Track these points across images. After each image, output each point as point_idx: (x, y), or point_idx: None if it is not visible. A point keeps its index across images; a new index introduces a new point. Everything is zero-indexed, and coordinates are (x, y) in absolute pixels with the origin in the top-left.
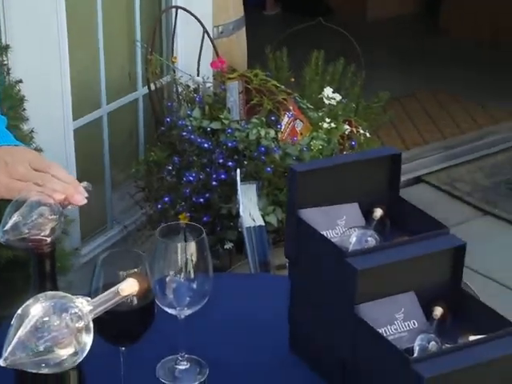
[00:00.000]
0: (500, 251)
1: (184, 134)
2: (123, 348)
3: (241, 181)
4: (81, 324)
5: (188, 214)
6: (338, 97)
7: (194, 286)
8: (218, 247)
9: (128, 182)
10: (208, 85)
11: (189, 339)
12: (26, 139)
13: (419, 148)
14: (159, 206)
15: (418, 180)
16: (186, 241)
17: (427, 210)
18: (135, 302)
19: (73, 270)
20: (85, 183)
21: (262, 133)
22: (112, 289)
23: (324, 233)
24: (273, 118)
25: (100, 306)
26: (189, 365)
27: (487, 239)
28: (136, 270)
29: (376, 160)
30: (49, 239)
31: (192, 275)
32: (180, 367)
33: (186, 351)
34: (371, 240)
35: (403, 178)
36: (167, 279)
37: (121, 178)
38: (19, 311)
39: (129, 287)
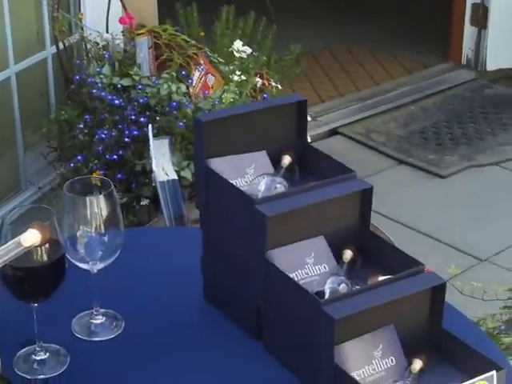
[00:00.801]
0: (415, 199)
1: (94, 91)
2: (35, 304)
3: (153, 136)
4: None
5: (102, 172)
6: (248, 50)
7: (105, 239)
8: (134, 204)
9: (41, 143)
10: (117, 41)
11: (103, 293)
12: None
13: (334, 101)
14: (72, 165)
15: (333, 132)
16: (95, 194)
17: (343, 161)
18: (45, 257)
19: None
20: None
21: (173, 88)
22: (14, 240)
23: (233, 181)
24: (183, 73)
25: (2, 257)
26: (104, 319)
27: (402, 188)
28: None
29: (282, 107)
30: None
31: (102, 229)
32: (95, 321)
33: (101, 305)
34: (280, 187)
35: (319, 131)
36: (78, 234)
37: (33, 138)
38: None
39: (30, 237)
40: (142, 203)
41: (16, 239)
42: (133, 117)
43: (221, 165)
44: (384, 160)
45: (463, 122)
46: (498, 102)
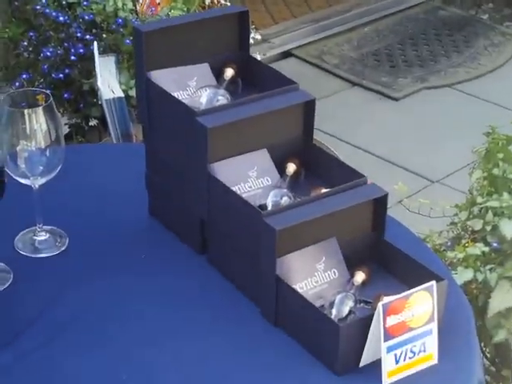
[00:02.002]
0: (368, 121)
1: (38, 7)
2: None
3: (100, 54)
4: None
5: (48, 90)
6: None
7: (46, 154)
8: (83, 124)
9: None
10: None
11: (48, 210)
12: None
13: (288, 22)
14: (17, 84)
15: (287, 54)
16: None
17: (296, 83)
18: None
19: None
20: None
21: (120, 4)
22: None
23: (175, 94)
24: None
25: None
26: (48, 235)
27: (355, 110)
28: None
29: (224, 18)
30: None
31: (42, 143)
32: (39, 238)
33: (45, 223)
34: (222, 99)
35: (272, 53)
36: (18, 149)
37: None
38: None
39: None
40: (90, 124)
41: None
42: (78, 34)
43: (162, 77)
44: (337, 82)
45: (417, 44)
46: (452, 24)
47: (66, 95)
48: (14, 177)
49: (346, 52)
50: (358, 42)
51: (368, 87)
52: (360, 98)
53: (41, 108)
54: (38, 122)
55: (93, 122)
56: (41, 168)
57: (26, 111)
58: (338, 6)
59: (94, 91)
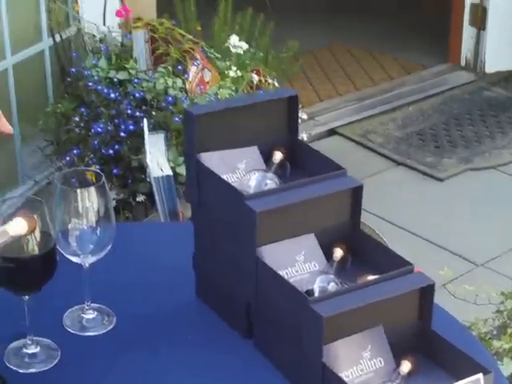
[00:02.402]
0: (412, 201)
1: (90, 84)
2: (27, 297)
3: (149, 131)
4: None
5: (98, 167)
6: (244, 45)
7: (97, 233)
8: (130, 200)
9: (38, 136)
10: (114, 34)
11: (96, 288)
12: None
13: (333, 100)
14: (68, 159)
15: (331, 132)
16: (86, 187)
17: (341, 162)
18: (36, 249)
19: None
20: None
21: (170, 82)
22: None
23: (224, 176)
24: (180, 68)
25: None
26: (96, 314)
27: (400, 190)
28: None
29: (274, 102)
30: None
31: (94, 222)
32: (87, 316)
33: (93, 300)
34: (271, 183)
35: (317, 131)
36: (69, 227)
37: (30, 132)
38: None
39: (16, 226)
40: (138, 199)
41: (1, 228)
42: (129, 111)
43: (212, 159)
44: (382, 161)
45: (461, 124)
46: (497, 105)
47: (115, 171)
48: (65, 254)
49: (390, 131)
50: (402, 121)
51: (412, 167)
52: (404, 178)
53: (93, 187)
54: (90, 200)
55: (140, 198)
56: (91, 246)
57: (78, 190)
58: (383, 85)
59: (142, 167)
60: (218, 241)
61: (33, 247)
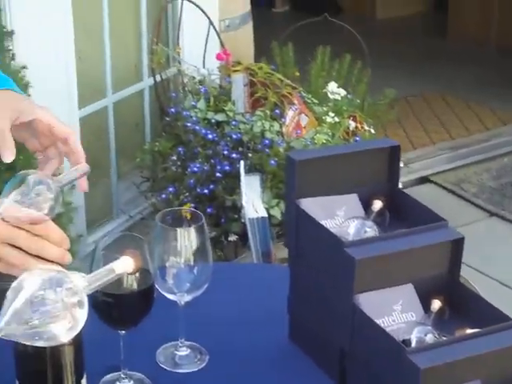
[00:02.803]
0: (506, 253)
1: (189, 124)
2: (123, 332)
3: (245, 173)
4: (75, 299)
5: (192, 205)
6: (342, 92)
7: (194, 272)
8: (222, 239)
9: (134, 173)
10: (213, 77)
11: (189, 325)
12: None
13: (426, 148)
14: (163, 196)
15: (424, 180)
16: (185, 227)
17: (434, 210)
18: (135, 285)
19: (78, 258)
20: (82, 164)
21: (267, 125)
22: (107, 266)
23: (323, 222)
24: (277, 112)
25: (95, 282)
26: (189, 351)
27: (493, 241)
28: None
29: (375, 151)
30: (47, 218)
31: (191, 261)
32: (180, 353)
33: (186, 337)
34: (370, 231)
35: (410, 178)
36: (167, 264)
37: (127, 168)
38: (14, 284)
39: (124, 265)
40: (230, 239)
41: (109, 266)
42: (225, 152)
43: (311, 205)
44: (475, 211)
45: None
46: None
47: (208, 210)
48: (161, 291)
49: (484, 181)
50: (497, 171)
51: (506, 218)
52: (498, 229)
53: (193, 227)
54: (189, 240)
55: (232, 238)
56: (188, 285)
57: (178, 230)
58: (478, 135)
59: (235, 207)
60: (315, 286)
61: (132, 283)
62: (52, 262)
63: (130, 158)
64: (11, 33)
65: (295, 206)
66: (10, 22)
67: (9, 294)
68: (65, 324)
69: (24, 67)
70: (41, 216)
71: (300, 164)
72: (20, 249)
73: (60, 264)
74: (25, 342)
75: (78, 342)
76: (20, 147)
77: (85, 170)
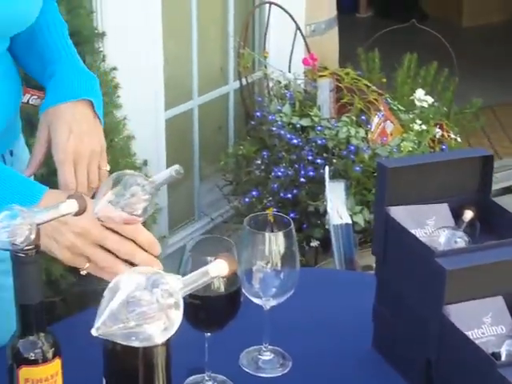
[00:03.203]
0: None
1: (274, 129)
2: (208, 334)
3: (329, 179)
4: (171, 300)
5: (275, 210)
6: (429, 99)
7: (281, 277)
8: (303, 244)
9: (216, 175)
10: (299, 81)
11: (273, 330)
12: (118, 126)
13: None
14: (246, 200)
15: (508, 190)
16: (273, 231)
17: None
18: (222, 288)
19: (159, 258)
20: (176, 166)
21: (352, 132)
22: (202, 269)
23: (412, 231)
24: (363, 118)
25: (190, 285)
26: (272, 356)
27: None
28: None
29: (467, 160)
30: (140, 219)
31: (279, 266)
32: (263, 357)
33: (270, 342)
34: (460, 241)
35: (494, 187)
36: (254, 269)
37: (209, 170)
38: (111, 284)
39: (218, 268)
40: (311, 244)
41: (204, 269)
42: (310, 157)
43: (401, 213)
44: None
45: None
46: None
47: (291, 215)
48: (247, 295)
49: None
50: None
51: None
52: None
53: (281, 232)
54: (276, 245)
55: (314, 243)
56: (274, 290)
57: (267, 235)
58: None
59: (318, 213)
60: (402, 295)
61: (219, 286)
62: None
63: (213, 160)
64: (102, 34)
65: (385, 213)
66: (102, 24)
67: (106, 293)
68: (160, 325)
69: (114, 69)
70: (134, 217)
71: (391, 171)
72: (110, 252)
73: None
74: (121, 342)
75: (169, 342)
76: None
77: (179, 171)
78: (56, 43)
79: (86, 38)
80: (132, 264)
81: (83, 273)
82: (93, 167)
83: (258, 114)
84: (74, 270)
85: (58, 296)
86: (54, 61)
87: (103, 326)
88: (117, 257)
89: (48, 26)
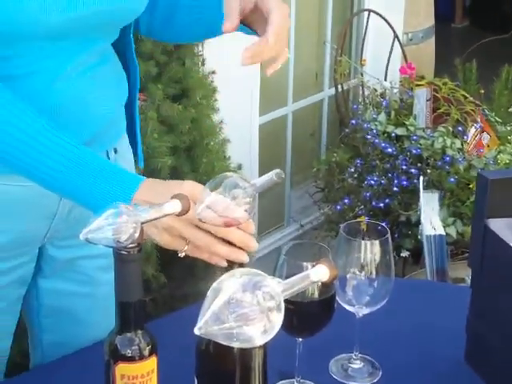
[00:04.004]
0: None
1: (368, 137)
2: (300, 339)
3: (423, 189)
4: (272, 303)
5: (367, 218)
6: None
7: (375, 285)
8: (394, 254)
9: (307, 182)
10: (395, 90)
11: (364, 339)
12: (215, 129)
13: None
14: (338, 208)
15: None
16: (369, 239)
17: None
18: (316, 294)
19: (248, 263)
20: (277, 170)
21: (448, 142)
22: (303, 273)
23: None
24: (459, 129)
25: (290, 289)
26: (362, 364)
27: None
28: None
29: None
30: (242, 221)
31: (373, 275)
32: (353, 366)
33: (361, 350)
34: None
35: None
36: (348, 276)
37: (300, 176)
38: (215, 284)
39: (319, 273)
40: (402, 254)
41: (305, 273)
42: (404, 167)
43: (500, 226)
44: None
45: None
46: None
47: (383, 224)
48: (340, 302)
49: None
50: None
51: None
52: None
53: (378, 241)
54: (372, 253)
55: (404, 254)
56: (367, 298)
57: (363, 242)
58: None
59: (409, 223)
60: (498, 308)
61: (314, 292)
62: (237, 247)
63: (303, 166)
64: None
65: (484, 225)
66: None
67: (209, 294)
68: (260, 327)
69: (213, 72)
70: (235, 219)
71: (492, 183)
72: (207, 232)
73: (245, 250)
74: (222, 342)
75: (266, 345)
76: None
77: (280, 175)
78: None
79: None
80: (229, 243)
81: (181, 255)
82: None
83: (354, 121)
84: (173, 252)
85: (149, 295)
86: None
87: (205, 325)
88: (214, 237)
89: None
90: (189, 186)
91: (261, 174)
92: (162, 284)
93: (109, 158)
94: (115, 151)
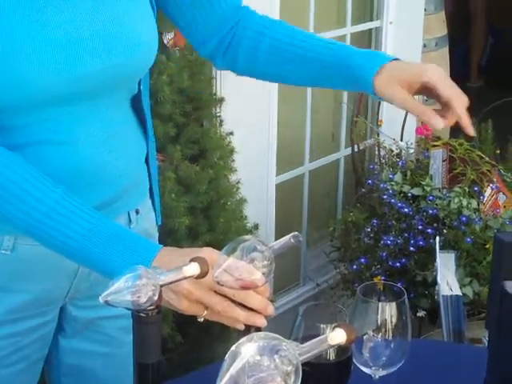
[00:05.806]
0: None
1: (385, 197)
2: None
3: (439, 249)
4: (290, 367)
5: (383, 278)
6: None
7: (391, 346)
8: (410, 314)
9: (323, 241)
10: (411, 151)
11: None
12: (232, 189)
13: None
14: (354, 267)
15: None
16: (385, 300)
17: None
18: (333, 356)
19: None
20: (295, 233)
21: (464, 202)
22: (320, 337)
23: None
24: (475, 189)
25: (308, 353)
26: None
27: None
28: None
29: None
30: (260, 284)
31: (390, 336)
32: None
33: None
34: None
35: None
36: (364, 338)
37: (316, 235)
38: (233, 348)
39: (338, 337)
40: (418, 314)
41: (322, 337)
42: (420, 227)
43: None
44: None
45: None
46: None
47: (399, 283)
48: (356, 363)
49: None
50: None
51: None
52: None
53: (395, 303)
54: (389, 315)
55: (420, 313)
56: (384, 359)
57: (380, 304)
58: None
59: (426, 283)
60: None
61: (330, 353)
62: (255, 311)
63: (320, 225)
64: (221, 100)
65: (501, 287)
66: (221, 90)
67: (227, 357)
68: None
69: (231, 133)
70: (252, 282)
71: (508, 246)
72: (225, 297)
73: (263, 314)
74: None
75: None
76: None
77: (297, 237)
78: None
79: (205, 103)
80: (247, 307)
81: (200, 320)
82: None
83: (370, 181)
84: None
85: (164, 355)
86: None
87: None
88: (232, 301)
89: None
90: (207, 251)
91: (277, 233)
92: (177, 343)
93: (130, 220)
94: (137, 212)
